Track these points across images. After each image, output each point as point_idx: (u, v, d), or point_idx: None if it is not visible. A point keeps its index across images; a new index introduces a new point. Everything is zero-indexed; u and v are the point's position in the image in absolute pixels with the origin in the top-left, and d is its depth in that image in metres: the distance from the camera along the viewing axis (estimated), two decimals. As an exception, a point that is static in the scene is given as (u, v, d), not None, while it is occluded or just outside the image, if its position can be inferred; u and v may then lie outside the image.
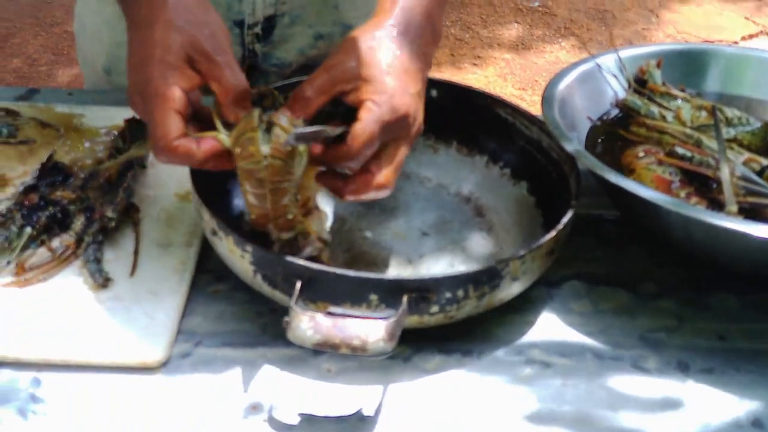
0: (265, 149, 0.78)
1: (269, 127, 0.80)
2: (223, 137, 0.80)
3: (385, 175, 0.82)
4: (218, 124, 0.80)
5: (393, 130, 0.82)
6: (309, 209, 0.86)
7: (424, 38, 0.88)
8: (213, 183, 0.93)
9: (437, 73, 1.01)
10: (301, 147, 0.80)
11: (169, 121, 0.77)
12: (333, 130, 0.81)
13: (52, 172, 0.95)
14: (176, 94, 0.78)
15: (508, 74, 3.55)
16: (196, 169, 0.88)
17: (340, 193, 0.83)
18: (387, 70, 0.83)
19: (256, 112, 0.80)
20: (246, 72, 1.35)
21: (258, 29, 1.25)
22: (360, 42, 0.85)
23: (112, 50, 1.27)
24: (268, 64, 1.32)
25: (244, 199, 0.82)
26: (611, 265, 0.95)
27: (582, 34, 3.87)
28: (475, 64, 3.55)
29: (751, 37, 3.92)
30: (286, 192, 0.80)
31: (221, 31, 0.82)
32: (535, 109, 1.02)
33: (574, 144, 0.90)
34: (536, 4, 4.10)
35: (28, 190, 0.92)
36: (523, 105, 3.26)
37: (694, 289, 0.93)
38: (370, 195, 0.83)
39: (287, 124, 0.79)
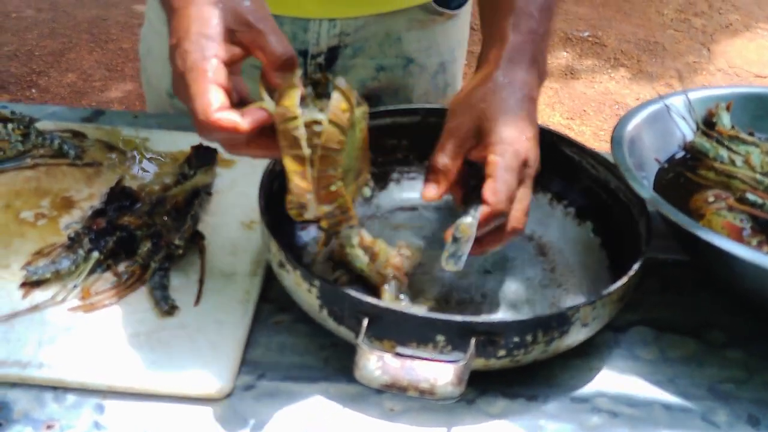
0: (319, 115, 0.76)
1: (319, 94, 0.78)
2: (268, 104, 0.76)
3: (517, 219, 0.86)
4: (264, 93, 0.77)
5: (519, 176, 0.86)
6: (352, 183, 0.83)
7: (530, 83, 0.91)
8: (280, 213, 0.94)
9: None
10: (358, 119, 0.78)
11: (209, 92, 0.73)
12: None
13: (119, 197, 0.96)
14: (214, 66, 0.74)
15: (556, 103, 3.54)
16: (264, 197, 0.88)
17: (480, 250, 0.87)
18: (503, 121, 0.87)
19: (299, 71, 0.77)
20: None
21: (321, 59, 1.26)
22: (473, 98, 0.90)
23: None
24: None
25: (286, 173, 0.78)
26: (678, 310, 0.94)
27: (632, 65, 3.85)
28: (523, 92, 3.53)
29: (804, 73, 3.87)
30: (335, 162, 0.77)
31: (261, 2, 0.79)
32: (583, 140, 1.02)
33: (646, 189, 0.89)
34: (586, 33, 4.09)
35: (97, 214, 0.93)
36: (571, 134, 3.23)
37: (764, 340, 0.90)
38: (505, 241, 0.88)
39: (351, 93, 0.77)
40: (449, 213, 1.06)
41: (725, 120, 1.08)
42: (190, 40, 0.75)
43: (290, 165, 0.77)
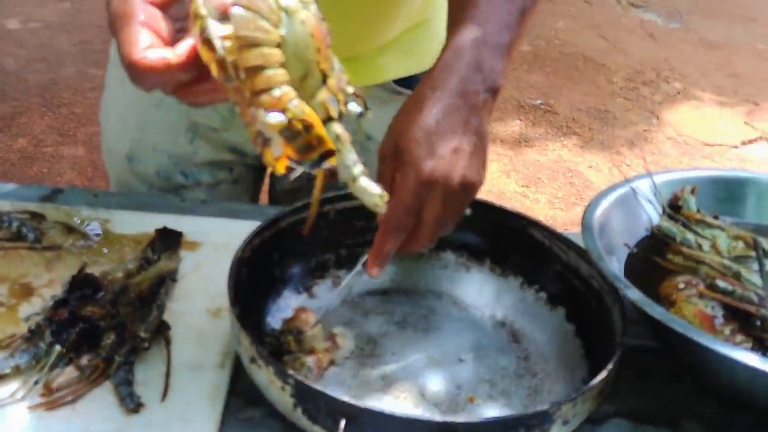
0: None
1: None
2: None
3: (423, 238, 0.87)
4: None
5: (422, 196, 0.84)
6: (325, 117, 0.69)
7: (468, 90, 0.86)
8: (249, 302, 0.92)
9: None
10: (293, 9, 0.65)
11: (134, 34, 0.66)
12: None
13: (82, 285, 0.93)
14: (140, 7, 0.67)
15: (511, 171, 3.58)
16: (234, 287, 0.86)
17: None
18: (415, 138, 0.84)
19: None
20: (259, 172, 1.36)
21: None
22: (399, 115, 0.89)
23: (136, 134, 1.28)
24: None
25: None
26: (654, 400, 0.93)
27: (584, 133, 3.91)
28: (478, 159, 3.56)
29: (750, 142, 3.97)
30: (267, 57, 0.64)
31: None
32: (538, 207, 1.01)
33: (620, 279, 0.88)
34: (538, 101, 4.16)
35: (59, 304, 0.89)
36: (527, 202, 3.29)
37: (740, 430, 0.90)
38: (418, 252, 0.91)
39: None
40: (420, 296, 1.05)
41: (691, 204, 1.09)
42: None
43: (218, 76, 0.64)
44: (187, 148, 1.29)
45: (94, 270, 0.98)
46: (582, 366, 0.92)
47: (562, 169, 3.60)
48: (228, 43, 0.62)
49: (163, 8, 0.69)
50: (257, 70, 0.63)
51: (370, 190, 0.73)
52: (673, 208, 1.10)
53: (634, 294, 0.86)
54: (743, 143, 3.96)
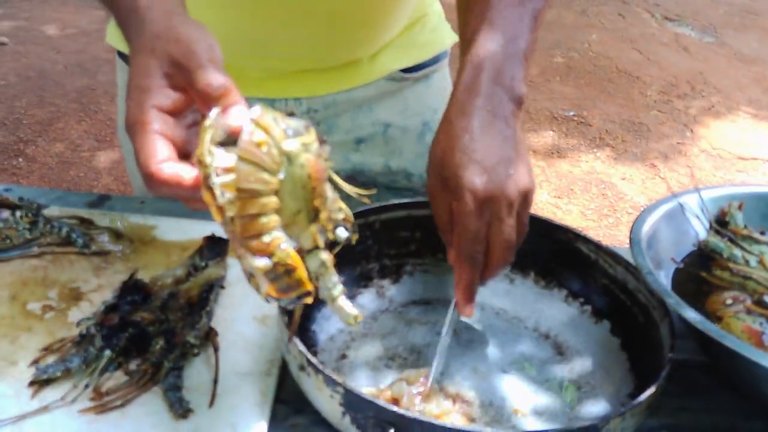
0: (229, 157, 0.66)
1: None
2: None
3: (497, 258, 0.88)
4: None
5: (484, 216, 0.84)
6: (311, 248, 0.71)
7: (494, 104, 0.87)
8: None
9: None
10: (295, 153, 0.67)
11: (151, 144, 0.68)
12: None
13: (132, 291, 0.94)
14: (154, 116, 0.69)
15: (544, 182, 3.57)
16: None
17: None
18: (457, 164, 0.84)
19: (214, 110, 0.68)
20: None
21: None
22: (436, 149, 0.89)
23: None
24: None
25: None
26: (699, 415, 0.92)
27: (617, 145, 3.90)
28: (510, 170, 3.56)
29: (786, 156, 3.94)
30: (262, 207, 0.66)
31: (197, 37, 0.72)
32: (571, 218, 1.01)
33: (671, 294, 0.88)
34: (571, 113, 4.15)
35: (109, 309, 0.90)
36: (559, 213, 3.27)
37: (787, 447, 0.89)
38: (492, 274, 0.90)
39: (270, 122, 0.67)
40: (498, 316, 1.05)
41: (738, 219, 1.08)
42: (130, 95, 0.71)
43: (216, 217, 0.67)
44: None
45: (143, 276, 0.99)
46: (628, 380, 0.92)
47: (595, 180, 3.58)
48: (228, 195, 0.65)
49: (176, 115, 0.71)
50: (252, 217, 0.66)
51: (346, 310, 0.75)
52: (720, 223, 1.09)
53: (683, 309, 0.86)
54: (779, 157, 3.93)
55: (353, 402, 0.77)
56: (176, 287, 0.95)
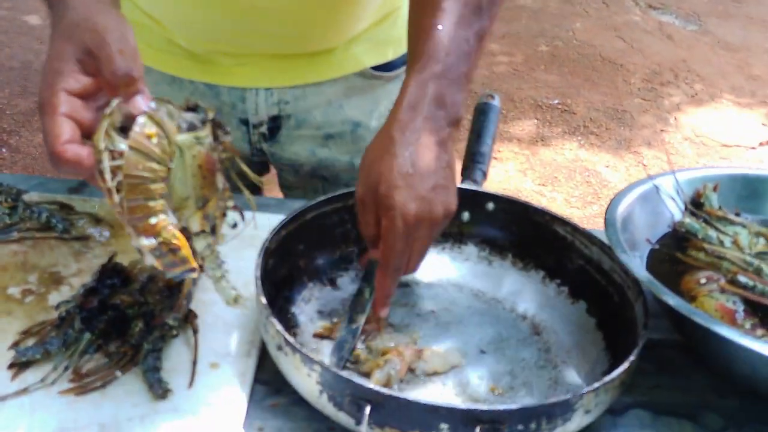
0: (121, 144, 0.71)
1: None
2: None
3: (411, 269, 0.95)
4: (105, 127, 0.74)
5: (411, 236, 0.88)
6: (198, 231, 0.79)
7: (434, 127, 0.90)
8: (274, 292, 0.93)
9: (457, 166, 1.02)
10: (187, 145, 0.74)
11: (56, 125, 0.72)
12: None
13: (111, 274, 0.94)
14: (63, 99, 0.73)
15: (528, 169, 3.58)
16: (261, 274, 0.88)
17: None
18: (394, 184, 0.87)
19: (114, 101, 0.74)
20: (257, 168, 1.37)
21: (264, 129, 1.28)
22: (371, 160, 0.91)
23: None
24: (279, 163, 1.34)
25: None
26: (674, 392, 0.94)
27: (601, 132, 3.91)
28: (495, 158, 3.58)
29: (768, 143, 3.96)
30: (149, 192, 0.72)
31: (112, 26, 0.76)
32: (555, 206, 1.02)
33: (644, 273, 0.89)
34: (555, 101, 4.17)
35: (89, 292, 0.91)
36: (543, 201, 3.29)
37: (760, 423, 0.90)
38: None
39: (163, 117, 0.73)
40: (442, 290, 1.06)
41: (713, 201, 1.09)
42: (44, 78, 0.75)
43: (107, 200, 0.73)
44: None
45: (122, 260, 1.00)
46: (603, 358, 0.93)
47: (579, 168, 3.60)
48: (118, 178, 0.72)
49: (86, 99, 0.75)
50: (140, 201, 0.72)
51: (228, 291, 0.83)
52: (695, 205, 1.10)
53: (657, 288, 0.87)
54: (761, 144, 3.95)
55: (330, 380, 0.78)
56: (155, 270, 0.96)
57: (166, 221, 0.74)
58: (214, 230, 0.80)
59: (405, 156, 0.88)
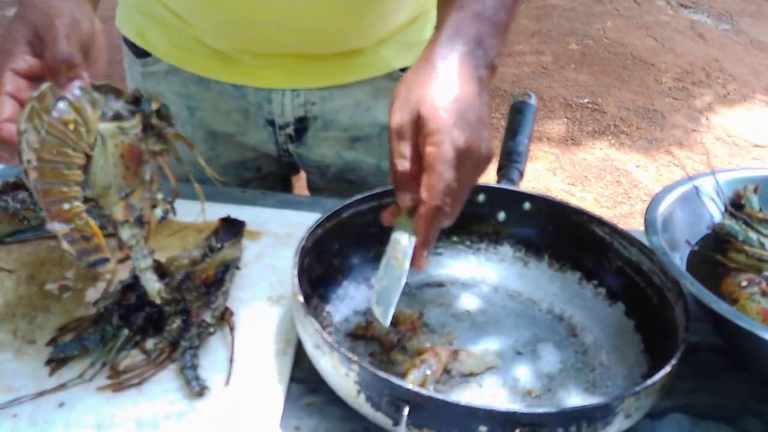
0: (40, 127, 0.74)
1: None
2: None
3: (451, 216, 0.82)
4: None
5: (458, 168, 0.80)
6: (122, 221, 0.81)
7: (474, 62, 0.85)
8: (310, 291, 0.93)
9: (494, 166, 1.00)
10: (109, 134, 0.76)
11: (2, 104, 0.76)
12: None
13: (148, 271, 0.94)
14: (9, 78, 0.77)
15: (558, 169, 3.56)
16: (299, 275, 0.87)
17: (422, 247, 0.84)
18: (440, 107, 0.80)
19: (44, 85, 0.76)
20: (287, 169, 1.35)
21: (290, 130, 1.27)
22: (411, 85, 0.84)
23: None
24: (306, 165, 1.33)
25: None
26: (713, 396, 0.92)
27: (632, 132, 3.88)
28: (524, 157, 3.54)
29: (802, 143, 3.91)
30: (64, 177, 0.74)
31: (64, 14, 0.79)
32: (585, 206, 1.00)
33: (686, 276, 0.88)
34: (586, 100, 4.14)
35: (126, 288, 0.91)
36: (573, 200, 3.26)
37: (801, 429, 0.89)
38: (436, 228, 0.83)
39: (84, 105, 0.75)
40: (478, 290, 1.05)
41: (754, 202, 1.08)
42: None
43: (25, 180, 0.75)
44: (210, 154, 1.31)
45: (159, 257, 1.00)
46: (641, 362, 0.92)
47: (609, 167, 3.57)
48: (34, 161, 0.73)
49: (32, 80, 0.78)
50: (53, 185, 0.73)
51: (152, 284, 0.85)
52: (736, 206, 1.09)
53: (699, 290, 0.86)
54: (794, 144, 3.90)
55: (368, 381, 0.77)
56: (192, 268, 0.96)
57: (79, 208, 0.75)
58: (141, 221, 0.82)
59: (450, 82, 0.82)
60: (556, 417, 0.74)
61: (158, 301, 0.85)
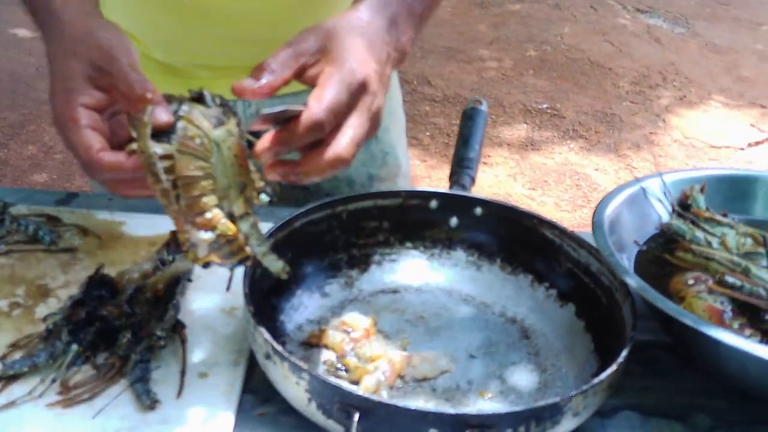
0: (170, 148, 0.77)
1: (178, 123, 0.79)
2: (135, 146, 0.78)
3: (343, 146, 0.78)
4: (132, 132, 0.79)
5: (351, 97, 0.79)
6: (242, 214, 0.82)
7: (387, 38, 0.86)
8: (263, 300, 0.93)
9: (446, 171, 1.03)
10: (221, 139, 0.79)
11: (86, 136, 0.77)
12: (294, 109, 0.79)
13: (98, 286, 0.94)
14: (83, 113, 0.78)
15: (518, 174, 3.59)
16: (249, 284, 0.87)
17: (295, 175, 0.80)
18: (350, 42, 0.82)
19: (149, 108, 0.78)
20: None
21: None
22: (325, 23, 0.85)
23: None
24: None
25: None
26: (662, 394, 0.94)
27: (590, 136, 3.92)
28: (485, 163, 3.59)
29: (757, 144, 3.98)
30: (202, 189, 0.78)
31: (117, 42, 0.81)
32: (545, 210, 1.02)
33: (631, 275, 0.89)
34: (545, 105, 4.17)
35: (76, 304, 0.91)
36: (534, 205, 3.29)
37: (749, 424, 0.91)
38: (328, 171, 0.79)
39: (199, 117, 0.79)
40: (432, 295, 1.06)
41: (700, 202, 1.10)
42: (56, 97, 0.79)
43: (161, 200, 0.78)
44: None
45: (111, 271, 0.99)
46: (592, 361, 0.93)
47: (569, 172, 3.61)
48: (170, 179, 0.77)
49: (99, 112, 0.80)
50: (195, 198, 0.78)
51: (276, 263, 0.86)
52: (683, 206, 1.11)
53: (645, 290, 0.87)
54: (749, 145, 3.96)
55: (318, 388, 0.78)
56: (143, 281, 0.95)
57: (220, 214, 0.79)
58: (254, 209, 0.84)
59: (364, 35, 0.84)
60: (505, 417, 0.75)
61: (284, 277, 0.86)
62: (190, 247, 0.79)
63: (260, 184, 0.84)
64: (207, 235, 0.78)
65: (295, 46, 0.83)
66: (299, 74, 0.83)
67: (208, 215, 0.78)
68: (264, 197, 0.84)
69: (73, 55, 0.80)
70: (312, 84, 0.82)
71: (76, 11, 0.84)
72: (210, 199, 0.78)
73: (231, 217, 0.81)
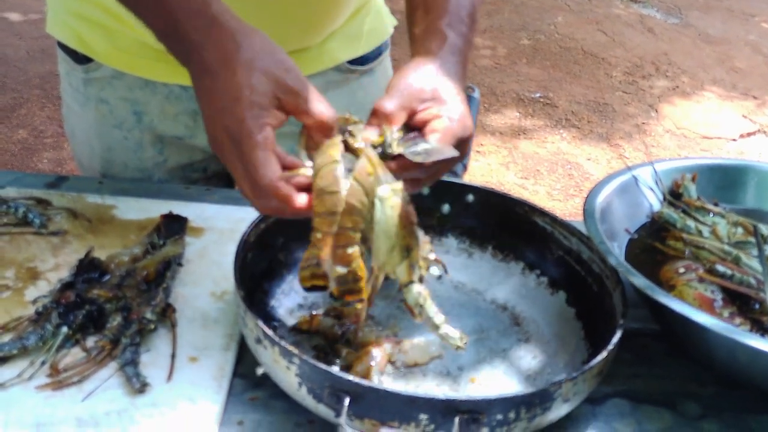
0: (344, 182, 0.79)
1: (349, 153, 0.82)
2: (308, 171, 0.81)
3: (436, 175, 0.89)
4: (303, 155, 0.83)
5: (459, 147, 0.87)
6: (406, 282, 0.83)
7: (463, 84, 0.93)
8: (254, 285, 0.93)
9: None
10: (387, 191, 0.80)
11: (270, 161, 0.78)
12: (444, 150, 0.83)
13: (88, 269, 0.94)
14: (269, 135, 0.79)
15: (510, 163, 3.59)
16: (240, 269, 0.87)
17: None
18: (457, 93, 0.89)
19: (338, 137, 0.81)
20: None
21: None
22: (426, 66, 0.90)
23: (104, 155, 1.28)
24: None
25: (313, 229, 0.80)
26: (652, 381, 0.94)
27: (583, 125, 3.92)
28: (477, 152, 3.59)
29: (749, 135, 3.98)
30: (355, 222, 0.79)
31: (297, 68, 0.83)
32: (537, 199, 1.02)
33: (621, 262, 0.89)
34: (537, 94, 4.17)
35: (65, 287, 0.90)
36: (526, 194, 3.29)
37: (738, 410, 0.91)
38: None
39: (377, 161, 0.81)
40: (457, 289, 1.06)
41: (691, 191, 1.10)
42: (242, 107, 0.78)
43: (321, 225, 0.79)
44: (158, 158, 1.29)
45: (101, 254, 0.99)
46: (582, 348, 0.93)
47: (561, 161, 3.61)
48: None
49: (275, 128, 0.81)
50: (346, 230, 0.79)
51: (452, 335, 0.84)
52: (674, 195, 1.11)
53: (635, 278, 0.87)
54: (741, 136, 3.97)
55: (309, 373, 0.77)
56: (133, 265, 0.95)
57: (358, 251, 0.80)
58: (421, 279, 0.84)
59: (457, 85, 0.90)
60: (495, 403, 0.75)
61: (463, 349, 0.85)
62: (314, 265, 0.80)
63: (431, 256, 0.85)
64: (341, 269, 0.80)
65: (409, 90, 0.87)
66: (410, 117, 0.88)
67: (350, 249, 0.79)
68: (434, 271, 0.86)
69: (260, 71, 0.80)
70: (420, 126, 0.87)
71: (235, 17, 0.85)
72: (356, 236, 0.79)
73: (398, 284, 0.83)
